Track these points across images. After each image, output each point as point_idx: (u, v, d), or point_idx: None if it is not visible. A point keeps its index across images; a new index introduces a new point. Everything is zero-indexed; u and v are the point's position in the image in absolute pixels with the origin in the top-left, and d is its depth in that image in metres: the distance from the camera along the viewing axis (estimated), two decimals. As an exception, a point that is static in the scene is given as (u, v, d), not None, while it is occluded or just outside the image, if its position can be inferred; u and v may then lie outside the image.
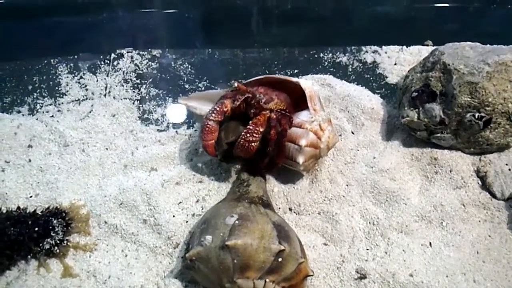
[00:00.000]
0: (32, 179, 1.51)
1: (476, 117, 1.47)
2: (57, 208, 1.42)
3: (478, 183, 1.51)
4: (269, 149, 1.39)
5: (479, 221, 1.45)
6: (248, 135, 1.36)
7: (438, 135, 1.53)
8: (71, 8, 1.95)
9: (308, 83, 1.52)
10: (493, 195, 1.49)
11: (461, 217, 1.45)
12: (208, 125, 1.40)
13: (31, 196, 1.47)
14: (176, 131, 1.65)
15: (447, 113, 1.50)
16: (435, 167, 1.54)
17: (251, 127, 1.36)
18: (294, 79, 1.51)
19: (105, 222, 1.43)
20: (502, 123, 1.48)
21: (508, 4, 2.00)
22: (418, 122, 1.53)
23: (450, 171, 1.52)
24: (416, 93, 1.56)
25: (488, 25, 1.97)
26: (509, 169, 1.52)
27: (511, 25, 1.97)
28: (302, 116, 1.48)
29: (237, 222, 1.24)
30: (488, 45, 1.62)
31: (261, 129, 1.38)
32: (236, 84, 1.42)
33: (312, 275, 1.27)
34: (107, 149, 1.59)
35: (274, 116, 1.40)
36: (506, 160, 1.53)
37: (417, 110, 1.55)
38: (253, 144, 1.36)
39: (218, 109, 1.41)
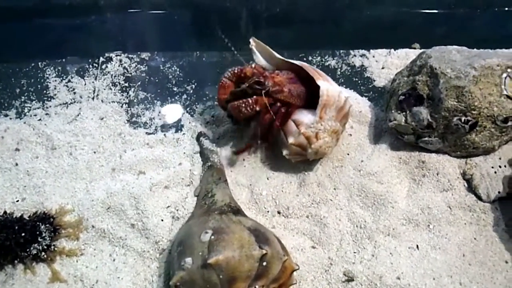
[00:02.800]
0: (19, 183, 1.50)
1: (462, 120, 1.48)
2: (44, 213, 1.41)
3: (464, 185, 1.53)
4: (256, 129, 1.50)
5: (465, 224, 1.47)
6: (243, 105, 1.46)
7: (426, 139, 1.54)
8: (59, 10, 1.92)
9: (332, 91, 1.47)
10: (479, 198, 1.50)
11: (448, 220, 1.47)
12: (222, 81, 1.53)
13: (17, 201, 1.46)
14: (165, 134, 1.65)
15: (434, 116, 1.51)
16: (422, 170, 1.55)
17: (250, 101, 1.45)
18: (318, 81, 1.46)
19: (93, 227, 1.43)
20: (487, 127, 1.50)
21: (493, 8, 2.02)
22: (405, 126, 1.54)
23: (437, 174, 1.53)
24: (403, 97, 1.57)
25: (474, 29, 1.98)
26: (495, 172, 1.53)
27: (496, 29, 1.99)
28: (307, 117, 1.48)
29: (213, 237, 1.21)
30: (474, 49, 1.64)
31: (257, 108, 1.46)
32: (254, 65, 1.54)
33: (298, 269, 1.26)
34: (95, 152, 1.59)
35: (278, 105, 1.48)
36: (492, 163, 1.55)
37: (404, 113, 1.56)
38: (241, 114, 1.47)
39: (236, 71, 1.52)
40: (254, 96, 1.46)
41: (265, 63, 1.63)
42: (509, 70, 1.52)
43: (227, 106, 1.52)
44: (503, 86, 1.50)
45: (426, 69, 1.56)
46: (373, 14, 1.91)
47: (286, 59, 1.59)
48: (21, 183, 1.50)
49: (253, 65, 1.55)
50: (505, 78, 1.51)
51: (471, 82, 1.47)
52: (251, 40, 1.63)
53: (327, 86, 1.46)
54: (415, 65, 1.63)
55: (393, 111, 1.58)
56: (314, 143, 1.46)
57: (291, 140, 1.47)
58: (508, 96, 1.49)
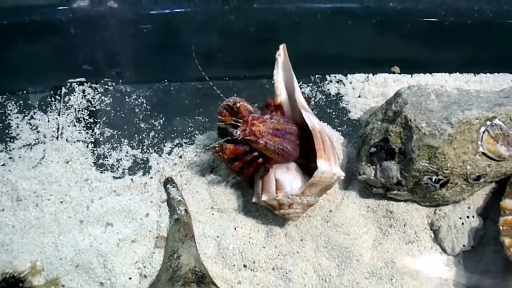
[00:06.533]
0: (-14, 240, 1.51)
1: (433, 180, 1.45)
2: (13, 277, 1.43)
3: (431, 236, 1.54)
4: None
5: (428, 278, 1.50)
6: (213, 150, 1.46)
7: (395, 192, 1.52)
8: (16, 35, 1.73)
9: (327, 173, 1.38)
10: (443, 250, 1.53)
11: (411, 274, 1.50)
12: (220, 109, 1.47)
13: (-15, 261, 1.48)
14: (132, 179, 1.61)
15: (404, 175, 1.47)
16: (389, 220, 1.55)
17: (216, 148, 1.44)
18: (319, 160, 1.35)
19: (63, 286, 1.46)
20: (459, 183, 1.47)
21: (488, 18, 1.84)
22: (374, 180, 1.52)
23: (404, 225, 1.54)
24: (375, 149, 1.52)
25: (462, 42, 1.83)
26: (462, 223, 1.53)
27: (487, 42, 1.84)
28: (290, 184, 1.45)
29: None
30: (455, 90, 1.56)
31: (225, 156, 1.44)
32: (238, 105, 1.44)
33: None
34: (61, 202, 1.57)
35: (254, 155, 1.44)
36: (460, 213, 1.54)
37: (374, 167, 1.52)
38: (214, 156, 1.50)
39: (230, 102, 1.45)
40: (225, 145, 1.42)
41: (281, 85, 1.52)
42: (488, 123, 1.45)
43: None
44: (479, 142, 1.45)
45: (400, 119, 1.49)
46: (351, 34, 1.75)
47: (302, 107, 1.47)
48: (-12, 240, 1.51)
49: (239, 103, 1.44)
50: (483, 132, 1.45)
51: (445, 142, 1.41)
52: (280, 47, 1.52)
53: (324, 169, 1.36)
54: (390, 109, 1.56)
55: (363, 163, 1.54)
56: (284, 210, 1.44)
57: (264, 198, 1.44)
58: (483, 153, 1.45)
